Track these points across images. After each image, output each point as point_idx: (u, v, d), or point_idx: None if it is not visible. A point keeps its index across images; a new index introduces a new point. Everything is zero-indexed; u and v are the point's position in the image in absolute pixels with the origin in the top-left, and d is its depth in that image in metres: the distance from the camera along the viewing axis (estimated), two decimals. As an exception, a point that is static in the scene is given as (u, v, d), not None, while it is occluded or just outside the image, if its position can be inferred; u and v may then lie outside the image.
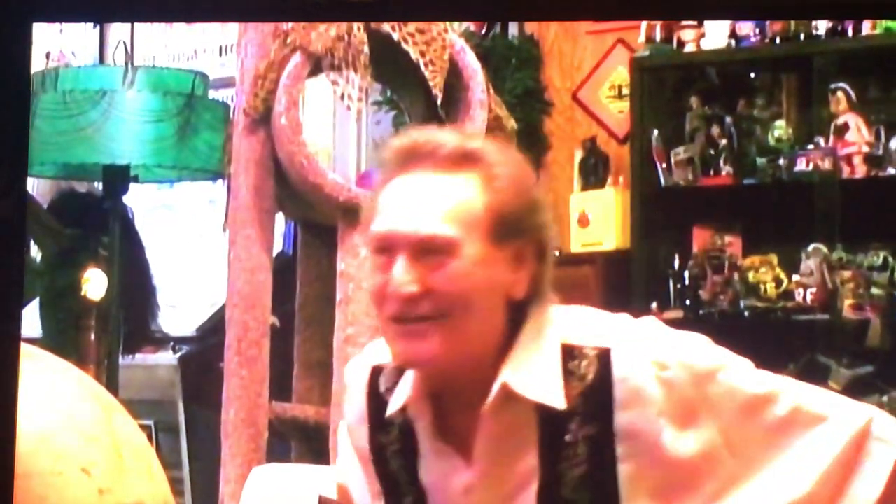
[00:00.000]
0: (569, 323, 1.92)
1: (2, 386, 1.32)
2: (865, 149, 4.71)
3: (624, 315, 1.96)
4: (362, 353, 2.07)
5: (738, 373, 1.90)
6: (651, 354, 1.87)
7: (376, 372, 2.01)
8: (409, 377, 1.94)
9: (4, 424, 1.31)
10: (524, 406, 1.88)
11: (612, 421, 1.86)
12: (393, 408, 1.95)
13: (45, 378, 2.38)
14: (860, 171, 4.72)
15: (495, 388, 1.86)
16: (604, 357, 1.88)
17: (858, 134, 4.73)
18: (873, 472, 1.89)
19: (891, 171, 4.68)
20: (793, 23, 4.78)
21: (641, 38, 5.13)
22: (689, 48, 5.01)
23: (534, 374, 1.88)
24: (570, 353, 1.89)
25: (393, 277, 1.83)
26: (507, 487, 1.90)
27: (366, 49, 3.43)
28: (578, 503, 1.89)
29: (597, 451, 1.87)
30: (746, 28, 4.91)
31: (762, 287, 4.81)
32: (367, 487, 2.04)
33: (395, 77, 3.70)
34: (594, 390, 1.87)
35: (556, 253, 2.02)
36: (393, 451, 1.99)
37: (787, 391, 1.91)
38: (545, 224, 1.91)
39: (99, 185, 4.49)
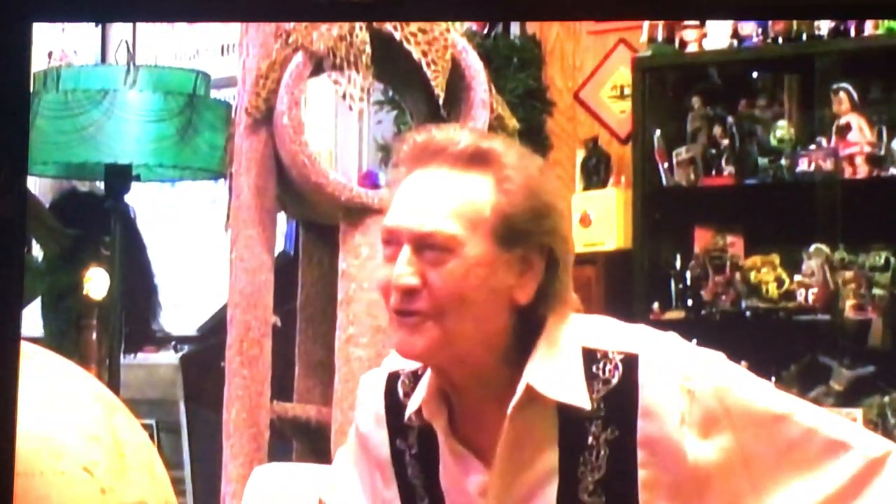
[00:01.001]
0: (588, 329, 1.93)
1: (2, 386, 1.32)
2: (867, 149, 4.71)
3: (643, 326, 1.97)
4: (379, 368, 2.07)
5: (757, 390, 1.91)
6: (676, 364, 1.88)
7: (393, 378, 2.01)
8: (425, 381, 1.94)
9: (4, 424, 1.31)
10: (546, 408, 1.88)
11: (634, 427, 1.87)
12: (410, 409, 1.96)
13: (46, 378, 2.38)
14: (862, 171, 4.72)
15: (520, 388, 1.87)
16: (630, 362, 1.88)
17: (860, 134, 4.73)
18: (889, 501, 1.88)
19: (893, 171, 4.67)
20: (795, 23, 4.78)
21: (643, 39, 5.12)
22: (692, 48, 5.00)
23: (557, 376, 1.88)
24: (591, 357, 1.89)
25: (395, 269, 1.85)
26: (524, 488, 1.90)
27: (368, 49, 3.43)
28: None
29: (617, 455, 1.87)
30: (748, 28, 4.90)
31: (764, 287, 4.81)
32: (370, 499, 2.04)
33: (397, 77, 3.70)
34: (618, 394, 1.88)
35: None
36: (411, 456, 1.98)
37: (805, 414, 1.91)
38: (556, 230, 1.89)
39: (100, 185, 4.49)
